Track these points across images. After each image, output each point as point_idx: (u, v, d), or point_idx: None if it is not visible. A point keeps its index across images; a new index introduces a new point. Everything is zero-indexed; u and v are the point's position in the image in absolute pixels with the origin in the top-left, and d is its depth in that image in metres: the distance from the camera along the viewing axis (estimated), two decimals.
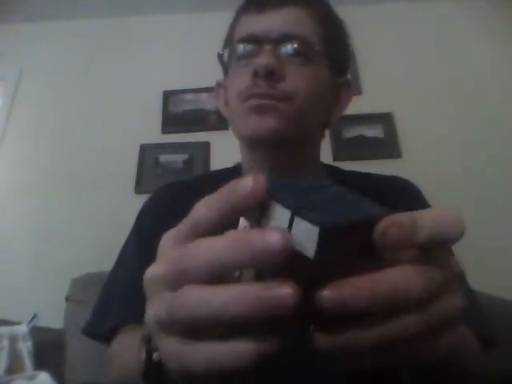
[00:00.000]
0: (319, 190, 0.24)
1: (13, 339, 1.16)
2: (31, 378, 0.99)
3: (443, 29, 2.02)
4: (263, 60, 0.53)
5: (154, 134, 1.87)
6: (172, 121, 1.91)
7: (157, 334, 0.23)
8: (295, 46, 0.55)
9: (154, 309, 0.23)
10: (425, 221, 0.21)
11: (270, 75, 0.53)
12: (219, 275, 0.20)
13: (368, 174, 0.68)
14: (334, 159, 1.72)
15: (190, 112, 1.92)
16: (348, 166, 0.74)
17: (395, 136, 1.81)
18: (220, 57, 0.63)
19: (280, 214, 0.20)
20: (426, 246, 0.22)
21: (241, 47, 0.58)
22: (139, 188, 1.74)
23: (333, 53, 0.60)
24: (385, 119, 1.84)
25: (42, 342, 1.22)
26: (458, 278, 0.24)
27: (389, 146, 1.79)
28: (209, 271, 0.20)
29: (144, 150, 1.83)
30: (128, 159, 1.81)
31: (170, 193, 0.66)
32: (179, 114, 1.93)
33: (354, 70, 1.92)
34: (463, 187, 1.68)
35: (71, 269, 1.42)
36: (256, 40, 0.57)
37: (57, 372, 1.08)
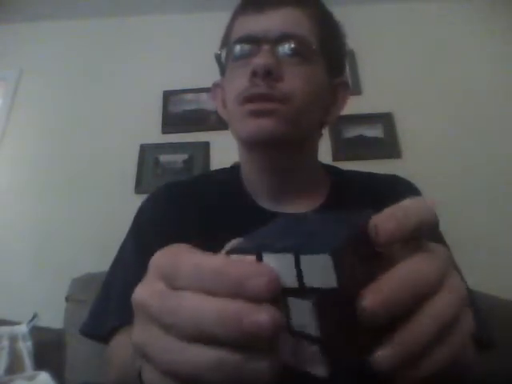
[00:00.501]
0: (298, 225, 0.24)
1: (13, 339, 1.16)
2: (31, 378, 0.99)
3: (443, 29, 2.02)
4: (261, 60, 0.53)
5: (154, 134, 1.87)
6: (172, 121, 1.91)
7: (143, 362, 0.23)
8: (293, 45, 0.55)
9: (141, 338, 0.22)
10: (412, 209, 0.23)
11: (269, 75, 0.53)
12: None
13: (367, 174, 0.68)
14: (334, 159, 1.72)
15: (190, 112, 1.93)
16: (348, 166, 0.74)
17: (395, 136, 1.81)
18: (217, 57, 0.63)
19: (280, 261, 0.19)
20: (414, 235, 0.22)
21: (238, 47, 0.58)
22: (139, 188, 1.74)
23: (330, 53, 0.59)
24: (385, 119, 1.84)
25: (42, 342, 1.22)
26: (450, 261, 0.24)
27: (389, 146, 1.79)
28: (194, 333, 0.20)
29: (144, 150, 1.83)
30: (128, 159, 1.81)
31: (169, 193, 0.66)
32: (179, 114, 1.93)
33: (354, 69, 1.92)
34: (463, 187, 1.68)
35: (71, 269, 1.42)
36: (254, 40, 0.56)
37: (57, 372, 1.08)
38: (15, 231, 1.72)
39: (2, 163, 1.86)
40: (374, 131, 1.82)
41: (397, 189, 0.64)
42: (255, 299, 0.19)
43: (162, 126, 1.90)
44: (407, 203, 0.23)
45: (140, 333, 0.23)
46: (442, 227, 0.62)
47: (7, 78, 2.02)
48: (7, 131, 1.91)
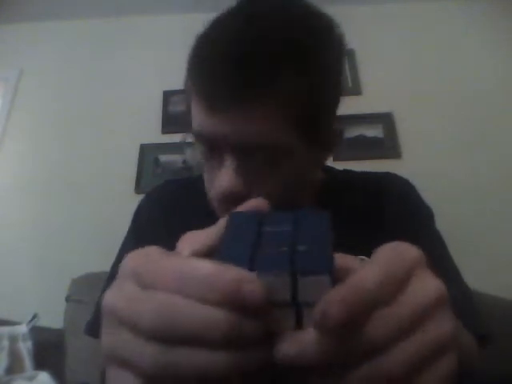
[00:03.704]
0: (265, 235, 0.23)
1: (13, 339, 1.16)
2: (31, 378, 0.99)
3: (443, 29, 2.02)
4: (225, 183, 0.44)
5: (153, 134, 1.87)
6: (172, 121, 1.91)
7: (109, 366, 0.22)
8: (262, 156, 0.45)
9: (110, 342, 0.22)
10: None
11: (237, 196, 0.44)
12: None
13: (361, 173, 0.67)
14: (334, 159, 1.71)
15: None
16: (348, 165, 0.73)
17: (395, 136, 1.81)
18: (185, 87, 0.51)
19: (274, 279, 0.19)
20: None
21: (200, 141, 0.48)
22: (139, 188, 1.74)
23: (317, 129, 0.48)
24: (385, 119, 1.84)
25: (42, 342, 1.22)
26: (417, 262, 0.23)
27: (389, 146, 1.79)
28: (171, 336, 0.19)
29: (144, 150, 1.83)
30: (128, 159, 1.81)
31: (166, 192, 0.66)
32: (179, 114, 1.93)
33: (354, 69, 1.92)
34: (463, 187, 1.68)
35: (71, 269, 1.42)
36: (214, 146, 0.47)
37: (57, 372, 1.08)
38: (15, 231, 1.72)
39: (2, 163, 1.86)
40: (374, 131, 1.82)
41: (389, 186, 0.62)
42: (248, 306, 0.18)
43: (162, 126, 1.90)
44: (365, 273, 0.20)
45: (108, 337, 0.22)
46: (442, 227, 0.62)
47: (7, 78, 2.02)
48: (7, 131, 1.91)
